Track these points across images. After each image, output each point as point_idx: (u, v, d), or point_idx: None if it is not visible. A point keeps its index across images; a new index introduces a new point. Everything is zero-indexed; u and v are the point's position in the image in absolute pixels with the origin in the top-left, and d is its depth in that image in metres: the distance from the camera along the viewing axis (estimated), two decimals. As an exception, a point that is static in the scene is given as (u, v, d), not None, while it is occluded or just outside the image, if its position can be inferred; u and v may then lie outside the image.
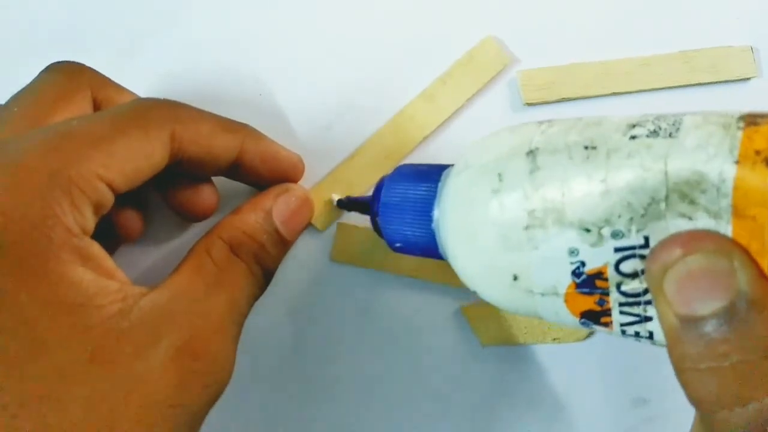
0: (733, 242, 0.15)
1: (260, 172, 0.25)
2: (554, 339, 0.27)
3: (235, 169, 0.24)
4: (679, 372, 0.16)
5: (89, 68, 0.24)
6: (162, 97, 0.23)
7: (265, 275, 0.24)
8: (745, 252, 0.15)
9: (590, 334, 0.28)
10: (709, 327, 0.15)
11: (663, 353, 0.20)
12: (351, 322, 0.28)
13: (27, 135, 0.20)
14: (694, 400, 0.16)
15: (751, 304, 0.14)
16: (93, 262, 0.19)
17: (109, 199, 0.20)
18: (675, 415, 0.28)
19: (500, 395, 0.28)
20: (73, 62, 0.23)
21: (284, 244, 0.25)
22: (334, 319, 0.28)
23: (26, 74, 0.23)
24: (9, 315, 0.17)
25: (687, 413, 0.27)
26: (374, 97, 0.28)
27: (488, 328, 0.27)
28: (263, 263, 0.23)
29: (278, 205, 0.24)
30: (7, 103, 0.22)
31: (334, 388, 0.28)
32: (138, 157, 0.20)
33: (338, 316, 0.28)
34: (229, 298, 0.22)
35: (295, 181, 0.26)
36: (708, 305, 0.15)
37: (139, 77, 0.26)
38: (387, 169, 0.27)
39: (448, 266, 0.27)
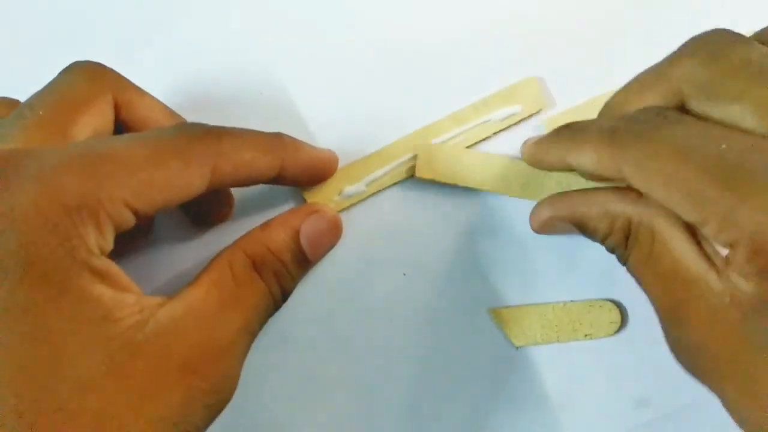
0: None
1: (298, 180, 0.25)
2: (586, 335, 0.28)
3: (273, 181, 0.24)
4: None
5: (110, 69, 0.24)
6: (205, 123, 0.22)
7: (282, 295, 0.23)
8: None
9: (620, 328, 0.28)
10: None
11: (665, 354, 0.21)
12: (376, 321, 0.28)
13: (64, 149, 0.20)
14: None
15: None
16: (111, 279, 0.19)
17: (130, 223, 0.20)
18: (677, 416, 0.28)
19: (501, 395, 0.28)
20: (95, 63, 0.23)
21: (306, 265, 0.25)
22: (359, 319, 0.28)
23: (28, 71, 0.23)
24: (34, 326, 0.18)
25: (689, 414, 0.28)
26: (404, 110, 0.28)
27: (518, 329, 0.28)
28: (282, 283, 0.23)
29: (307, 225, 0.24)
30: (30, 103, 0.22)
31: (349, 386, 0.28)
32: (173, 190, 0.20)
33: (363, 316, 0.28)
34: (242, 317, 0.21)
35: (329, 176, 0.26)
36: None
37: (144, 76, 0.26)
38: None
39: (528, 181, 0.27)
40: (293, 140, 0.24)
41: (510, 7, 0.29)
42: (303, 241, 0.24)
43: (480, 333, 0.28)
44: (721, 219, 0.17)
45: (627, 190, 0.21)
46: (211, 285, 0.21)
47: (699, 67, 0.19)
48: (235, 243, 0.23)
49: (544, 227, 0.25)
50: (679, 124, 0.18)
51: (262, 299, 0.22)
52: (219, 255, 0.23)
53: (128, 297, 0.19)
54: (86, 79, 0.23)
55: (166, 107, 0.25)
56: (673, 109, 0.19)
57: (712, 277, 0.19)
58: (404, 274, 0.28)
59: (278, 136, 0.24)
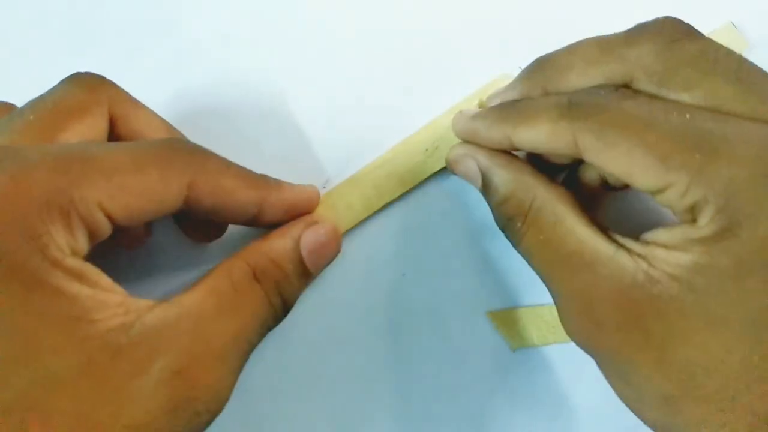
0: None
1: (277, 221, 0.24)
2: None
3: (250, 220, 0.23)
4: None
5: (110, 82, 0.23)
6: (191, 141, 0.22)
7: (283, 306, 0.23)
8: None
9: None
10: (483, 191, 0.24)
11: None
12: (374, 321, 0.28)
13: (42, 147, 0.19)
14: (498, 224, 0.23)
15: (487, 175, 0.23)
16: (88, 278, 0.18)
17: (105, 230, 0.19)
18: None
19: (499, 396, 0.28)
20: (95, 74, 0.23)
21: (307, 277, 0.24)
22: (357, 320, 0.28)
23: (28, 76, 0.23)
24: (1, 320, 0.17)
25: None
26: (405, 111, 0.28)
27: (516, 331, 0.28)
28: (284, 293, 0.23)
29: (307, 235, 0.24)
30: (23, 108, 0.21)
31: (346, 388, 0.28)
32: (148, 197, 0.20)
33: (361, 317, 0.28)
34: (239, 324, 0.20)
35: (309, 213, 0.25)
36: (478, 183, 0.24)
37: (143, 81, 0.26)
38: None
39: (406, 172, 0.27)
40: (277, 181, 0.24)
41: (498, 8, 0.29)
42: (303, 251, 0.23)
43: (478, 335, 0.28)
44: (689, 180, 0.18)
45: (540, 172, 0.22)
46: (208, 291, 0.21)
47: (655, 53, 0.19)
48: (236, 253, 0.23)
49: (456, 164, 0.24)
50: (641, 98, 0.19)
51: (261, 308, 0.22)
52: (219, 265, 0.22)
53: (111, 297, 0.18)
54: (83, 89, 0.22)
55: (164, 122, 0.24)
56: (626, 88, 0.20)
57: (623, 256, 0.19)
58: (403, 275, 0.28)
59: (263, 176, 0.23)
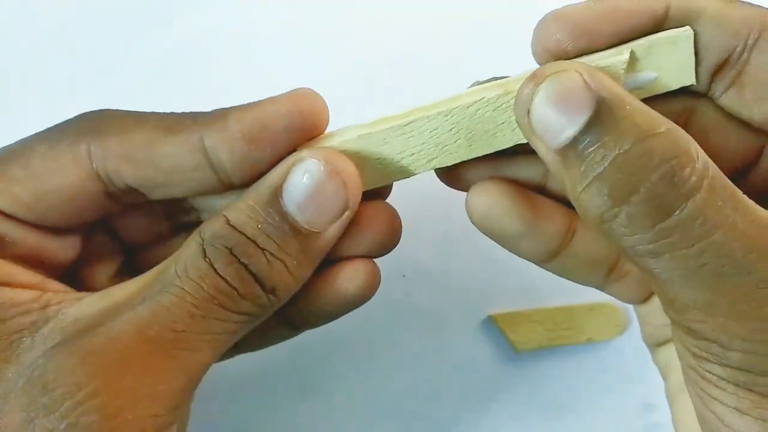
0: (565, 63, 0.16)
1: (254, 163, 0.17)
2: (588, 339, 0.28)
3: (216, 177, 0.17)
4: (576, 201, 0.16)
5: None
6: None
7: (262, 287, 0.16)
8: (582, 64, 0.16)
9: (623, 331, 0.28)
10: (585, 140, 0.15)
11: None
12: (374, 323, 0.28)
13: None
14: (592, 217, 0.15)
15: (609, 102, 0.15)
16: None
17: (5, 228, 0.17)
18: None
19: (506, 399, 0.28)
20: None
21: (302, 237, 0.17)
22: (357, 321, 0.26)
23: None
24: None
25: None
26: None
27: (520, 333, 0.27)
28: (256, 267, 0.16)
29: (291, 177, 0.17)
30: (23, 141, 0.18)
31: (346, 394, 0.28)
32: (39, 179, 0.17)
33: (361, 319, 0.27)
34: (169, 331, 0.16)
35: (315, 134, 0.18)
36: (577, 121, 0.15)
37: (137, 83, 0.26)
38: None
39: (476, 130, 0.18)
40: (223, 110, 0.17)
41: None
42: (289, 202, 0.17)
43: (480, 337, 0.28)
44: None
45: None
46: (148, 279, 0.17)
47: None
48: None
49: (552, 82, 0.16)
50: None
51: (207, 300, 0.16)
52: None
53: (20, 294, 0.16)
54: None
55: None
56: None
57: None
58: (404, 276, 0.28)
59: (196, 113, 0.17)
